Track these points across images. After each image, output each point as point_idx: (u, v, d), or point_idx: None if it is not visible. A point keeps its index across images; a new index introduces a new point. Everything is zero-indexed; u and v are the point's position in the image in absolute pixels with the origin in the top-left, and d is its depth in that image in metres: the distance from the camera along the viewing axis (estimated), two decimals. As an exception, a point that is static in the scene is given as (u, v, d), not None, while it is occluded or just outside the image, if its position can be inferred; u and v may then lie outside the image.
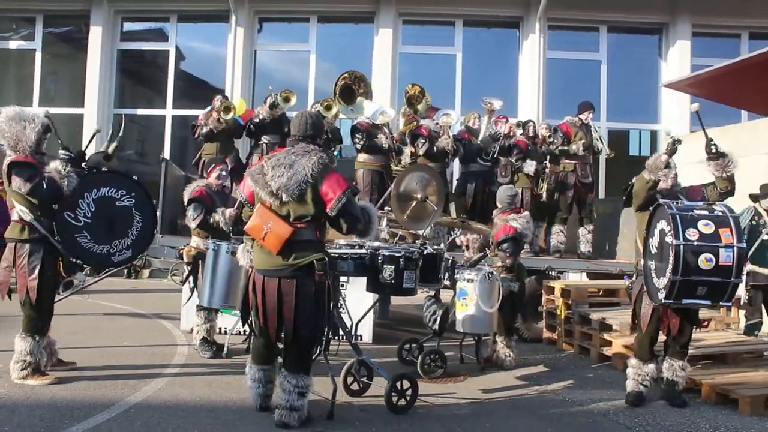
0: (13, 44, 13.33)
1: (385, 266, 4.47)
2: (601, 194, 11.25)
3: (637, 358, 4.95)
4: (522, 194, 8.19)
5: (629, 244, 7.14)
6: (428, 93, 8.95)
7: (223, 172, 6.06)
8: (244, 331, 6.26)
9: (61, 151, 4.58)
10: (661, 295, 4.42)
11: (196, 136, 8.66)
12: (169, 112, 12.79)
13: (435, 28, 12.92)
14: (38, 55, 13.00)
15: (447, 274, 5.40)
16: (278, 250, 3.90)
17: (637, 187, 4.90)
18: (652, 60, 12.92)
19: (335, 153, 8.90)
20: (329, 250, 4.64)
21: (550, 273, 7.61)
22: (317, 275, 3.92)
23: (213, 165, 6.14)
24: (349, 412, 4.41)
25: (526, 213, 6.36)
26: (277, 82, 12.41)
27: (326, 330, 4.26)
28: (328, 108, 8.34)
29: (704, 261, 4.24)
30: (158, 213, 5.11)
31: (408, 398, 4.45)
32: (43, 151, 4.72)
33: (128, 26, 13.28)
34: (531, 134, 8.34)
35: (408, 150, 8.07)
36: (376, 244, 4.89)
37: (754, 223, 6.97)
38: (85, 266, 4.91)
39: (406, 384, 4.47)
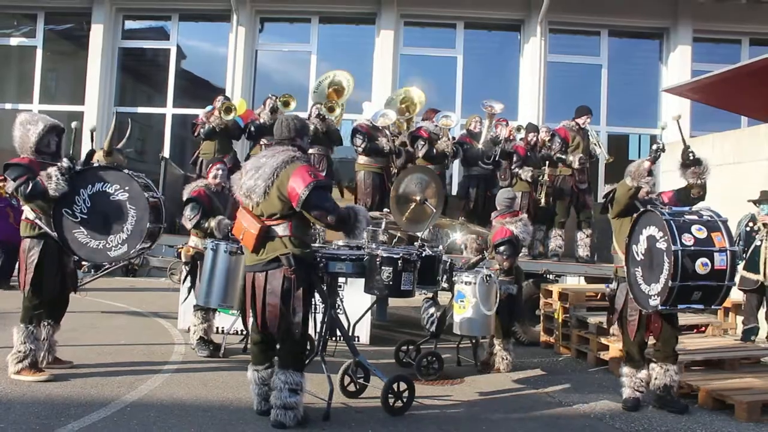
0: (14, 41, 13.32)
1: (383, 268, 4.47)
2: (600, 199, 11.22)
3: (629, 365, 4.95)
4: (521, 198, 8.20)
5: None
6: (417, 95, 8.95)
7: (220, 172, 6.04)
8: (241, 330, 6.28)
9: (64, 159, 4.64)
10: (655, 302, 4.43)
11: (195, 134, 8.66)
12: (169, 110, 12.77)
13: (436, 30, 12.92)
14: (39, 52, 12.98)
15: (445, 277, 5.40)
16: (252, 248, 4.04)
17: (619, 193, 4.88)
18: (653, 64, 12.92)
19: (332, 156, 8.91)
20: (327, 251, 4.66)
21: (548, 276, 7.62)
22: (284, 270, 3.97)
23: (210, 165, 6.15)
24: (345, 414, 4.42)
25: (524, 216, 6.36)
26: (277, 82, 12.49)
27: (306, 326, 4.24)
28: (331, 110, 8.35)
29: (700, 266, 4.25)
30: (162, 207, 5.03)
31: (404, 400, 4.44)
32: (51, 151, 4.81)
33: (129, 24, 13.27)
34: (532, 142, 8.33)
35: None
36: (374, 245, 4.90)
37: (748, 229, 7.00)
38: (82, 263, 4.95)
39: (403, 386, 4.46)
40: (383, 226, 5.78)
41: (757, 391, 5.04)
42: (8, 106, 12.80)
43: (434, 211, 5.80)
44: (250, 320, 4.22)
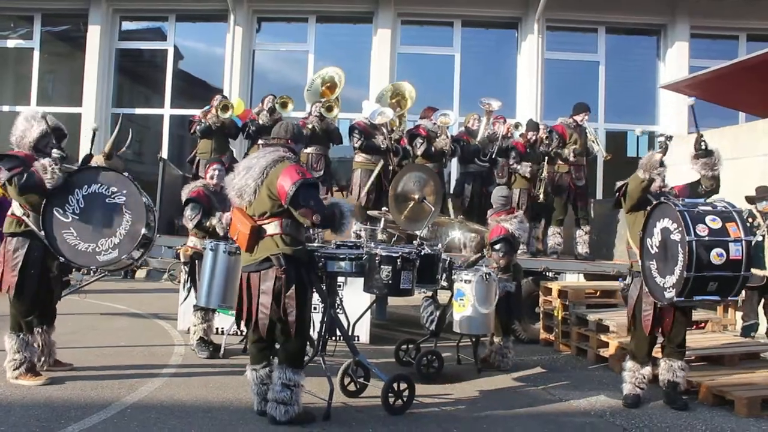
0: (11, 43, 13.31)
1: (382, 267, 4.46)
2: (599, 195, 11.27)
3: (634, 360, 4.93)
4: (519, 195, 8.20)
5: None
6: (407, 89, 8.96)
7: (217, 172, 6.03)
8: (241, 331, 6.27)
9: (54, 150, 4.52)
10: (670, 294, 4.40)
11: (192, 132, 8.67)
12: (167, 111, 12.77)
13: (433, 29, 12.92)
14: (36, 54, 12.96)
15: (444, 275, 5.39)
16: (246, 247, 4.06)
17: (631, 187, 4.84)
18: (650, 61, 12.93)
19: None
20: (326, 250, 4.66)
21: (547, 274, 7.62)
22: (275, 270, 3.98)
23: (207, 165, 6.14)
24: (345, 413, 4.41)
25: (519, 213, 6.37)
26: (275, 82, 12.47)
27: (306, 325, 4.24)
28: (330, 109, 8.35)
29: (715, 256, 4.24)
30: (156, 214, 4.96)
31: (405, 399, 4.44)
32: (46, 152, 4.64)
33: (126, 25, 13.26)
34: (532, 140, 8.32)
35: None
36: (373, 244, 4.89)
37: (748, 224, 6.98)
38: (72, 265, 4.79)
39: (403, 385, 4.47)
40: (382, 224, 5.78)
41: (757, 386, 5.05)
42: (5, 108, 12.80)
43: (433, 209, 5.79)
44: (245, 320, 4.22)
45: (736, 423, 4.56)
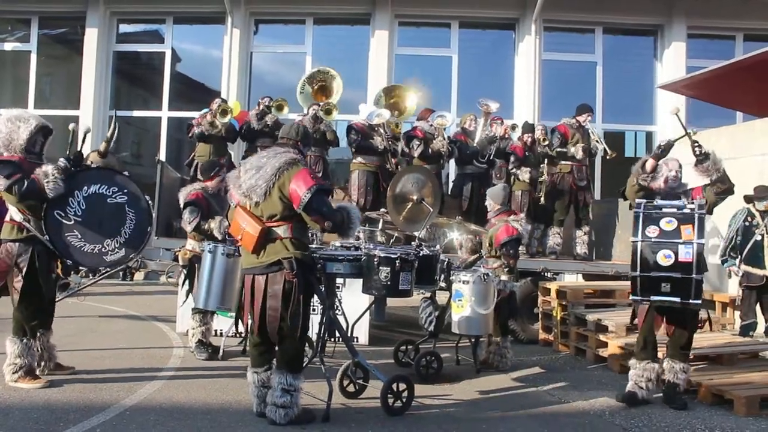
0: (9, 46, 13.28)
1: (381, 268, 4.47)
2: (597, 196, 11.28)
3: (635, 357, 4.98)
4: (521, 197, 8.21)
5: (625, 246, 7.15)
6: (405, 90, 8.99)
7: (221, 176, 6.05)
8: (240, 333, 6.27)
9: (61, 159, 4.51)
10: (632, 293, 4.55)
11: (190, 135, 8.69)
12: (164, 113, 12.75)
13: (431, 30, 12.92)
14: (33, 57, 12.94)
15: (443, 276, 5.40)
16: (252, 249, 4.01)
17: (626, 190, 5.00)
18: (648, 61, 12.94)
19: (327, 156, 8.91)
20: (325, 252, 4.66)
21: (546, 274, 7.62)
22: (285, 274, 3.96)
23: (217, 169, 6.10)
24: (344, 414, 4.41)
25: (522, 215, 6.39)
26: (273, 84, 12.47)
27: (305, 328, 4.23)
28: (328, 112, 8.36)
29: (663, 257, 4.37)
30: (154, 213, 4.98)
31: (404, 400, 4.44)
32: (37, 151, 4.64)
33: (124, 28, 13.25)
34: (529, 142, 8.33)
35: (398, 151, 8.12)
36: (372, 245, 4.90)
37: (747, 224, 6.99)
38: (79, 267, 4.84)
39: (402, 386, 4.46)
40: (380, 226, 5.78)
41: (756, 385, 5.05)
42: (2, 111, 12.73)
43: (431, 210, 5.79)
44: (248, 322, 4.22)
45: (734, 422, 4.56)
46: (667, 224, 4.41)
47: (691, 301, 4.43)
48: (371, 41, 12.48)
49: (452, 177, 9.74)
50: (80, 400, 4.43)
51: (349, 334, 5.15)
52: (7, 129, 4.55)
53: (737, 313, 7.42)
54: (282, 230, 4.02)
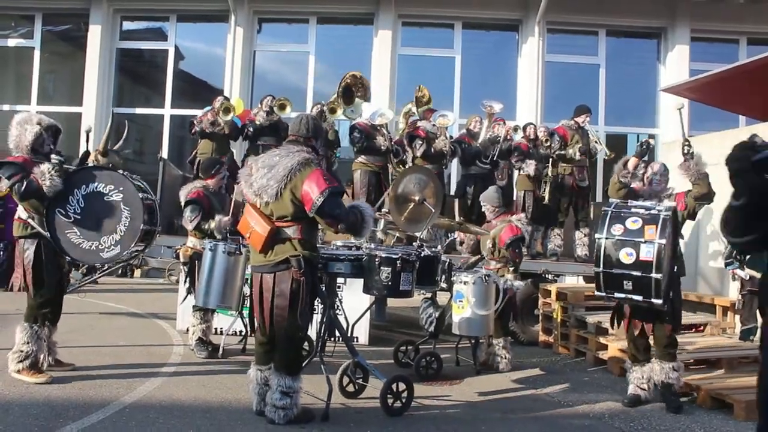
0: (12, 42, 13.31)
1: (382, 268, 4.47)
2: (598, 197, 11.27)
3: (631, 361, 5.01)
4: (524, 197, 8.21)
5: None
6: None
7: (221, 174, 6.09)
8: (240, 331, 6.28)
9: (53, 156, 4.58)
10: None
11: (192, 132, 8.69)
12: (167, 111, 12.77)
13: (434, 31, 12.92)
14: (37, 54, 12.97)
15: (444, 277, 5.40)
16: (260, 248, 4.01)
17: (609, 188, 5.07)
18: (651, 64, 12.93)
19: (337, 155, 8.92)
20: (326, 251, 4.66)
21: (546, 276, 7.62)
22: (293, 272, 3.96)
23: (218, 167, 6.12)
24: (344, 414, 4.41)
25: (522, 214, 6.40)
26: (275, 83, 12.47)
27: (307, 328, 4.25)
28: (333, 111, 8.35)
29: (625, 255, 4.43)
30: (158, 211, 5.01)
31: (403, 400, 4.44)
32: (45, 152, 4.75)
33: (127, 25, 13.27)
34: (532, 136, 8.34)
35: (409, 155, 8.10)
36: (373, 245, 4.90)
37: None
38: (79, 264, 4.91)
39: (402, 386, 4.46)
40: (382, 226, 5.78)
41: (756, 390, 5.03)
42: (6, 107, 12.78)
43: (433, 210, 5.79)
44: (256, 320, 4.22)
45: (734, 426, 4.56)
46: (633, 223, 4.47)
47: (653, 300, 4.42)
48: (374, 41, 12.47)
49: (455, 177, 9.74)
50: (80, 397, 4.44)
51: (349, 334, 5.14)
52: (17, 132, 4.77)
53: (737, 317, 7.41)
54: (292, 231, 4.00)
